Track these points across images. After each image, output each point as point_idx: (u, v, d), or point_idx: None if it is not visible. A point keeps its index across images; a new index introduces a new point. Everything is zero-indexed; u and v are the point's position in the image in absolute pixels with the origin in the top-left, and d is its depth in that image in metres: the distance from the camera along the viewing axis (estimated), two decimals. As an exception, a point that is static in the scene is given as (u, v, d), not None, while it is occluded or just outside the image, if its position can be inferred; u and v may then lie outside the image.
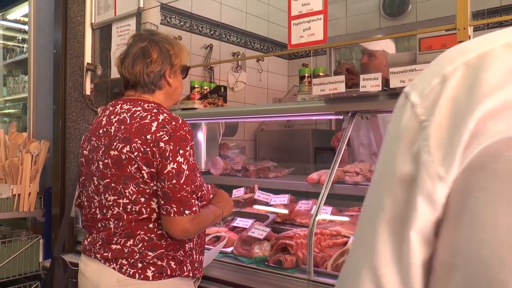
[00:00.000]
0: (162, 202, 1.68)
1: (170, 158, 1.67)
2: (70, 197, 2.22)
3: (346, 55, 5.27)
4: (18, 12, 4.30)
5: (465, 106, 0.48)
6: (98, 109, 3.39)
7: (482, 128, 0.47)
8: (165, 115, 1.76)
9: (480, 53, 0.50)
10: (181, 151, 1.69)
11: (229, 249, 2.43)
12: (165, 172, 1.67)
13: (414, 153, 0.51)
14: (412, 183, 0.51)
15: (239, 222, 2.69)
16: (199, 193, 1.81)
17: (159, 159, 1.67)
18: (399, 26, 4.57)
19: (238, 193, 3.12)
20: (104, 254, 1.75)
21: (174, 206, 1.66)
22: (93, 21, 3.45)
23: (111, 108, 1.89)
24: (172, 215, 1.66)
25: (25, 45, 4.31)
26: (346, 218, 2.59)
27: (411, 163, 0.51)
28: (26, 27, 4.13)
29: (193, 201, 1.71)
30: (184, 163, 1.70)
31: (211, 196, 2.01)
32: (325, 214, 2.61)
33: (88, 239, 1.87)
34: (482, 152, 0.47)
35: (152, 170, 1.69)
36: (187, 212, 1.67)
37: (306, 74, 2.60)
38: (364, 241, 0.57)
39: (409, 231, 0.51)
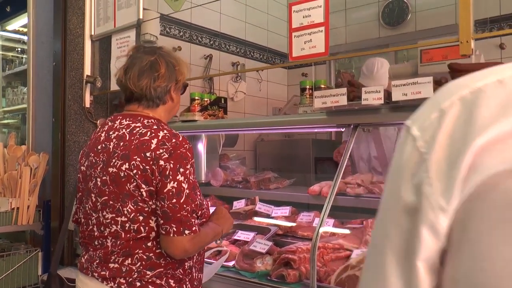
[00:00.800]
0: (162, 221, 1.65)
1: (170, 177, 1.64)
2: (68, 212, 2.19)
3: (346, 64, 5.26)
4: (18, 23, 4.29)
5: (462, 141, 0.51)
6: (98, 122, 3.37)
7: (478, 161, 0.49)
8: (165, 131, 1.73)
9: (473, 89, 0.53)
10: (181, 170, 1.66)
11: (231, 263, 2.40)
12: (165, 191, 1.63)
13: (416, 184, 0.53)
14: (415, 213, 0.53)
15: (241, 235, 2.66)
16: (199, 212, 1.78)
17: (159, 177, 1.64)
18: (398, 35, 4.57)
19: (239, 204, 3.10)
20: (102, 272, 1.71)
21: (174, 225, 1.63)
22: (92, 33, 3.44)
23: (109, 123, 1.85)
24: (171, 235, 1.63)
25: (24, 56, 4.29)
26: (348, 231, 2.56)
27: (413, 194, 0.53)
28: (25, 38, 4.11)
29: (193, 220, 1.67)
30: (185, 181, 1.66)
31: (210, 212, 1.99)
32: (328, 226, 2.58)
33: (85, 257, 1.83)
34: (480, 184, 0.49)
35: (151, 188, 1.65)
36: (187, 232, 1.64)
37: (307, 86, 2.58)
38: (373, 271, 0.58)
39: (415, 260, 0.53)
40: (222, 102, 3.06)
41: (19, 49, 4.61)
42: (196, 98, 3.07)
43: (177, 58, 1.92)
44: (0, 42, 4.61)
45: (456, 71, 1.98)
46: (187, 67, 1.96)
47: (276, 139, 4.92)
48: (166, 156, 1.65)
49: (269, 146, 4.73)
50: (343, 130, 2.58)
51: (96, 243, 1.77)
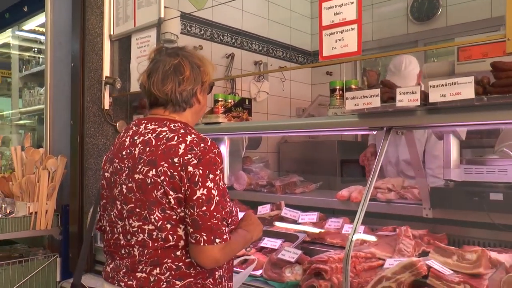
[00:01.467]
0: (191, 230, 1.59)
1: (200, 184, 1.58)
2: (92, 217, 2.11)
3: (372, 62, 5.12)
4: (35, 22, 4.25)
5: None
6: (117, 124, 3.29)
7: None
8: (193, 136, 1.66)
9: None
10: (211, 176, 1.60)
11: (258, 272, 2.32)
12: (194, 198, 1.57)
13: None
14: None
15: (267, 242, 2.58)
16: (229, 220, 1.71)
17: (188, 184, 1.58)
18: (428, 31, 4.40)
19: (264, 210, 3.01)
20: (129, 282, 1.66)
21: (204, 234, 1.57)
22: (111, 33, 3.37)
23: (134, 128, 1.78)
24: (202, 244, 1.57)
25: (41, 56, 4.25)
26: (378, 239, 2.44)
27: None
28: (42, 37, 4.06)
29: (223, 228, 1.61)
30: (214, 188, 1.60)
31: (239, 218, 1.91)
32: (359, 233, 2.47)
33: (111, 266, 1.78)
34: None
35: (180, 195, 1.60)
36: (217, 240, 1.58)
37: (338, 87, 2.45)
38: None
39: None
40: (247, 103, 2.96)
41: (36, 49, 4.57)
42: (220, 99, 2.98)
43: (201, 57, 1.85)
44: (17, 42, 4.58)
45: (501, 70, 1.85)
46: (212, 66, 1.89)
47: (300, 141, 4.83)
48: (195, 162, 1.59)
49: (292, 148, 4.64)
50: (375, 133, 2.45)
51: (122, 251, 1.72)
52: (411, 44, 3.70)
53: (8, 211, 3.14)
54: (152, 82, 1.75)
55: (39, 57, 4.41)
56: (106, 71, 3.32)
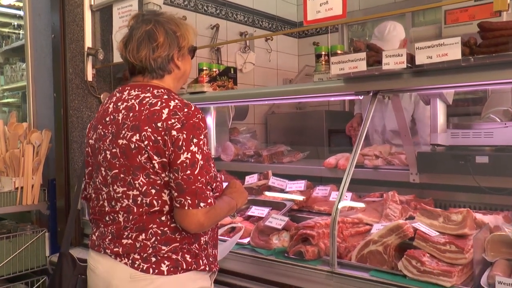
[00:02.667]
0: (175, 194, 1.59)
1: (184, 148, 1.57)
2: (78, 188, 2.09)
3: (359, 33, 5.07)
4: (13, -4, 4.14)
5: None
6: (101, 96, 3.25)
7: None
8: (176, 101, 1.66)
9: None
10: (194, 140, 1.60)
11: (246, 240, 2.32)
12: (178, 162, 1.57)
13: None
14: None
15: (255, 210, 2.58)
16: (214, 184, 1.71)
17: (172, 148, 1.58)
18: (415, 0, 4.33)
19: (251, 179, 3.00)
20: (115, 249, 1.66)
21: (189, 198, 1.57)
22: (92, 3, 3.30)
23: (118, 95, 1.77)
24: (186, 207, 1.58)
25: (21, 31, 4.15)
26: (366, 205, 2.45)
27: None
28: (21, 12, 3.95)
29: (208, 192, 1.62)
30: (198, 152, 1.60)
31: (224, 186, 1.92)
32: (346, 200, 2.47)
33: (96, 234, 1.78)
34: None
35: (164, 160, 1.60)
36: (202, 204, 1.59)
37: (323, 52, 2.42)
38: None
39: None
40: (232, 72, 2.92)
41: (15, 23, 4.46)
42: (204, 68, 2.94)
43: (179, 22, 1.81)
44: (-5, 18, 4.47)
45: (488, 30, 1.83)
46: (192, 30, 1.86)
47: (288, 112, 4.80)
48: (179, 126, 1.59)
49: (280, 119, 4.62)
50: (361, 98, 2.43)
51: (107, 218, 1.72)
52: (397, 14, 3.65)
53: (-7, 187, 3.11)
54: (129, 51, 1.74)
55: (19, 33, 4.31)
56: (88, 42, 3.26)
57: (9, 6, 4.41)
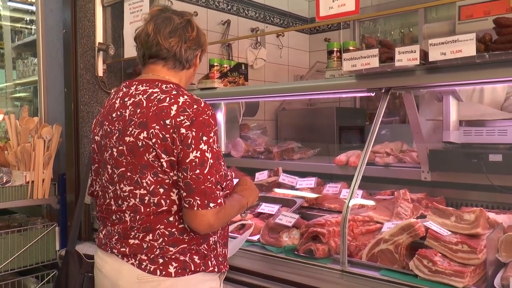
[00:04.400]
0: (184, 194, 1.56)
1: (193, 146, 1.53)
2: (83, 185, 2.08)
3: (371, 29, 5.02)
4: (25, -9, 4.17)
5: None
6: (112, 91, 3.25)
7: None
8: (185, 97, 1.61)
9: None
10: (204, 138, 1.55)
11: (256, 238, 2.30)
12: (187, 161, 1.53)
13: None
14: None
15: (265, 208, 2.56)
16: (224, 183, 1.69)
17: (180, 146, 1.54)
18: (428, -5, 4.30)
19: (262, 176, 2.99)
20: (122, 249, 1.63)
21: (198, 198, 1.53)
22: (104, -2, 3.30)
23: (124, 90, 1.73)
24: (195, 208, 1.54)
25: (33, 27, 4.17)
26: (377, 203, 2.43)
27: None
28: (33, 8, 3.97)
29: (217, 192, 1.58)
30: (208, 151, 1.56)
31: (234, 183, 1.88)
32: (357, 198, 2.45)
33: (103, 232, 1.75)
34: None
35: (172, 158, 1.56)
36: (211, 205, 1.55)
37: (335, 49, 2.40)
38: None
39: None
40: (243, 68, 2.91)
41: (28, 19, 4.49)
42: (215, 64, 2.93)
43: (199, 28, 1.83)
44: (8, 13, 4.49)
45: (504, 26, 1.80)
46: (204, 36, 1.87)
47: (298, 108, 4.79)
48: (188, 123, 1.55)
49: (290, 115, 4.59)
50: (372, 95, 2.41)
51: (114, 217, 1.69)
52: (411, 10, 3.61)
53: (4, 180, 3.13)
54: (159, 32, 1.68)
55: (31, 28, 4.34)
56: (99, 38, 3.26)
57: (22, 2, 4.46)
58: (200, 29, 1.79)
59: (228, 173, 1.78)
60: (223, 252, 1.78)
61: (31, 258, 3.11)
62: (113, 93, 1.80)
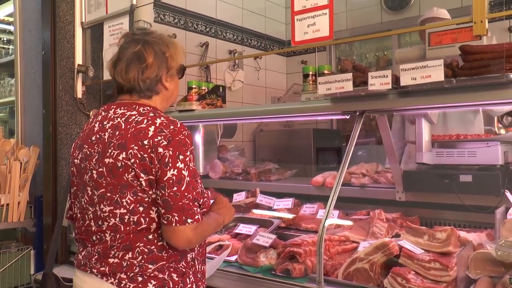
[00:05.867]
0: (163, 211, 1.59)
1: (170, 164, 1.58)
2: (61, 207, 2.08)
3: (346, 51, 5.15)
4: (2, 12, 4.14)
5: None
6: (91, 113, 3.25)
7: None
8: (162, 118, 1.66)
9: None
10: (181, 157, 1.60)
11: (233, 258, 2.32)
12: (165, 179, 1.57)
13: None
14: None
15: (242, 228, 2.57)
16: (201, 200, 1.72)
17: (158, 165, 1.58)
18: (401, 20, 4.44)
19: (239, 197, 3.01)
20: (101, 268, 1.64)
21: (176, 214, 1.57)
22: (83, 20, 3.32)
23: (103, 113, 1.77)
24: (174, 224, 1.57)
25: (10, 46, 4.15)
26: (353, 223, 2.47)
27: None
28: (11, 28, 3.96)
29: (195, 209, 1.61)
30: (185, 169, 1.60)
31: (211, 202, 1.90)
32: (333, 218, 2.49)
33: (82, 253, 1.75)
34: None
35: (151, 177, 1.59)
36: (189, 220, 1.58)
37: (310, 72, 2.46)
38: None
39: None
40: (221, 90, 2.95)
41: (5, 39, 4.46)
42: (194, 86, 2.97)
43: (168, 42, 1.82)
44: (-16, 33, 4.46)
45: (469, 53, 1.88)
46: (182, 50, 1.87)
47: (276, 129, 4.84)
48: (165, 143, 1.59)
49: (268, 137, 4.64)
50: (347, 117, 2.47)
51: (94, 238, 1.70)
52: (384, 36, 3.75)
53: (-21, 203, 3.08)
54: (117, 71, 1.74)
55: (8, 48, 4.31)
56: (79, 59, 3.27)
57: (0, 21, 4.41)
58: (161, 49, 1.77)
59: (205, 191, 1.81)
60: (202, 269, 1.81)
61: (4, 283, 3.05)
62: (92, 117, 1.83)
